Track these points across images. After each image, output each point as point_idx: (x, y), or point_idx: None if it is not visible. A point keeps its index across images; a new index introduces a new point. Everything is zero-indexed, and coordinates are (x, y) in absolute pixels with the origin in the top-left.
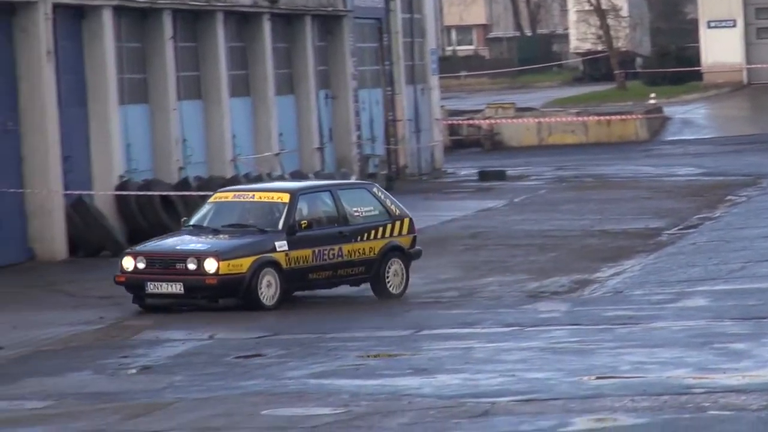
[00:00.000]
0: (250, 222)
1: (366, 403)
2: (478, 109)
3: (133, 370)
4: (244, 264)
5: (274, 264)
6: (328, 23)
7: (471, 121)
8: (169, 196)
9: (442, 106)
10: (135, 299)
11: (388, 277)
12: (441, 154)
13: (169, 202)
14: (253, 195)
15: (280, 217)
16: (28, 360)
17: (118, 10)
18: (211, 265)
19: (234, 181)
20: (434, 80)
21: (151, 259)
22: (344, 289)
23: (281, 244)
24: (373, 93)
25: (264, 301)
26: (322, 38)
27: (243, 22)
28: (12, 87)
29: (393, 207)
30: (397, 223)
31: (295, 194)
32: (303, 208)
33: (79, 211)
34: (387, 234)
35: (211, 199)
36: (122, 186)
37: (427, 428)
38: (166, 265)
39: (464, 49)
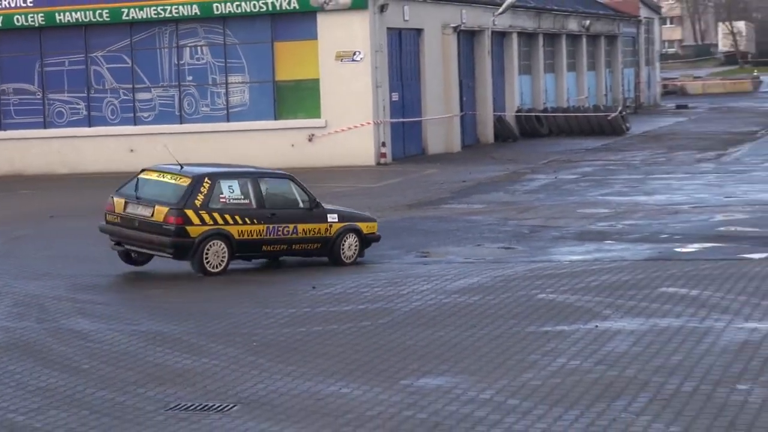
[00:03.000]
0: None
1: (623, 207)
2: (676, 76)
3: (520, 192)
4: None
5: None
6: (610, 39)
7: (673, 82)
8: (538, 115)
9: (660, 76)
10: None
11: None
12: (659, 97)
13: (538, 118)
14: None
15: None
16: (476, 187)
17: (518, 34)
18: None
19: (566, 110)
20: (657, 64)
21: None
22: None
23: None
24: (629, 70)
25: None
26: (607, 45)
27: (573, 38)
28: (472, 67)
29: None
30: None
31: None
32: None
33: (499, 121)
34: None
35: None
36: (518, 111)
37: (650, 218)
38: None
39: (671, 50)
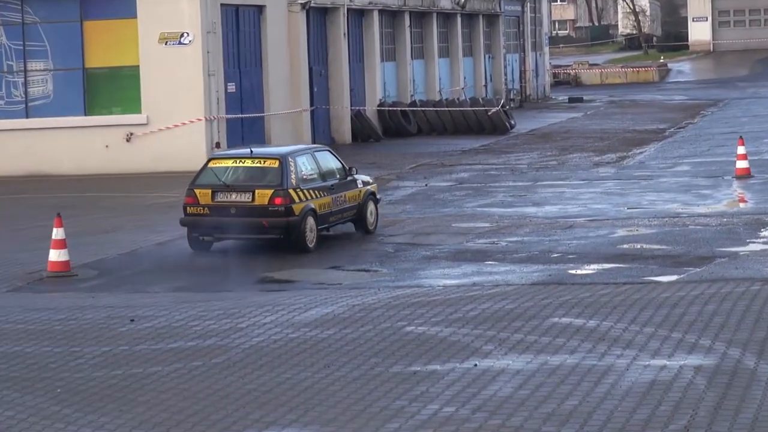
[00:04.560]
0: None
1: (507, 221)
2: (569, 64)
3: (383, 203)
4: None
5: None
6: (491, 19)
7: (565, 71)
8: (405, 111)
9: (550, 63)
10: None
11: None
12: (549, 88)
13: (404, 113)
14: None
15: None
16: None
17: (380, 12)
18: None
19: (439, 104)
20: (546, 49)
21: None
22: None
23: None
24: (513, 56)
25: None
26: (487, 26)
27: (446, 17)
28: (325, 51)
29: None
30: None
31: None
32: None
33: (358, 117)
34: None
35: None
36: (380, 104)
37: (539, 234)
38: None
39: (563, 33)
